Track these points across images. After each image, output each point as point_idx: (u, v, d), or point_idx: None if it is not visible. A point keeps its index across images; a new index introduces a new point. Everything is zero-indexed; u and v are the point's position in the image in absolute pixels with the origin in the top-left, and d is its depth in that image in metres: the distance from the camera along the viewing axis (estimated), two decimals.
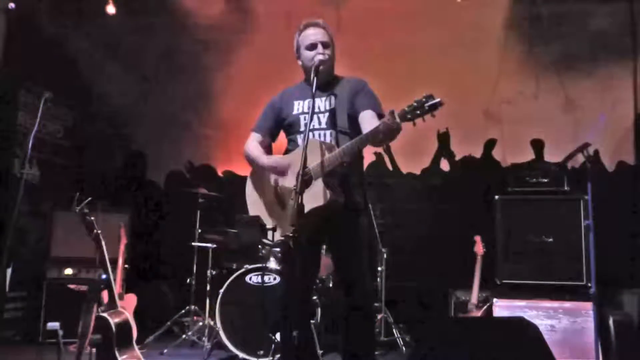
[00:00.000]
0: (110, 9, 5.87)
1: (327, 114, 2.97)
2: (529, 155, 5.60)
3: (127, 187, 6.06)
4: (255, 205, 3.11)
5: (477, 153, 5.80)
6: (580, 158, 3.72)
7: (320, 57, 2.94)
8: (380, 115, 2.84)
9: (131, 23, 6.14)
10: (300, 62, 3.09)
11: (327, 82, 3.02)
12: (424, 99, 2.45)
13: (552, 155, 5.44)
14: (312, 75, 2.84)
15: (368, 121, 2.84)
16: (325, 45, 3.00)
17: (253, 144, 3.15)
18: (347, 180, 2.87)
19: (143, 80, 6.20)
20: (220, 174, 6.13)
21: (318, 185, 2.73)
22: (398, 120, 2.51)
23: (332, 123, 2.95)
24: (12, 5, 5.34)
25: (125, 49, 6.19)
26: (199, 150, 6.18)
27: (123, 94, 6.18)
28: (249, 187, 3.17)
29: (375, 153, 5.89)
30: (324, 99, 3.01)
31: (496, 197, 4.71)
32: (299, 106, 3.04)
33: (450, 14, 5.72)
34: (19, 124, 5.33)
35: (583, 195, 4.26)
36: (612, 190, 4.94)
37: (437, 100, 2.43)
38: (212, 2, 6.08)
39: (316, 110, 2.96)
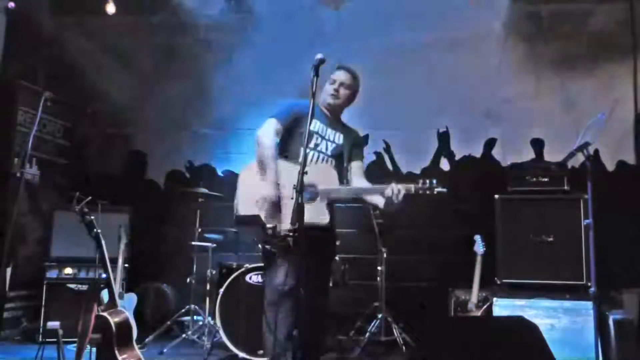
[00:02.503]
0: (111, 8, 5.87)
1: (334, 145, 3.28)
2: (529, 155, 5.60)
3: (127, 187, 6.05)
4: (248, 203, 3.12)
5: (477, 153, 5.80)
6: (580, 157, 3.72)
7: (332, 94, 3.29)
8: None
9: (131, 22, 6.15)
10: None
11: (336, 118, 3.38)
12: (434, 183, 2.94)
13: (552, 155, 5.44)
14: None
15: (356, 170, 3.31)
16: (343, 86, 3.29)
17: (270, 135, 3.14)
18: (333, 210, 3.17)
19: (143, 80, 6.19)
20: (220, 173, 6.13)
21: (322, 206, 3.00)
22: (405, 189, 2.97)
23: (336, 156, 3.27)
24: (12, 4, 5.34)
25: (125, 48, 6.19)
26: (199, 149, 6.17)
27: (123, 94, 6.17)
28: (245, 184, 3.17)
29: (375, 152, 5.89)
30: (334, 131, 3.32)
31: (496, 196, 4.71)
32: (315, 126, 3.21)
33: (451, 13, 5.72)
34: (19, 123, 5.33)
35: (583, 194, 4.26)
36: (612, 190, 4.93)
37: (445, 189, 2.92)
38: (213, 1, 6.08)
39: (327, 137, 3.28)
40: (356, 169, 3.32)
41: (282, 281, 3.00)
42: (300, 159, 2.72)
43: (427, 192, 2.93)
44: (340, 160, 3.29)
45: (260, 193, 3.03)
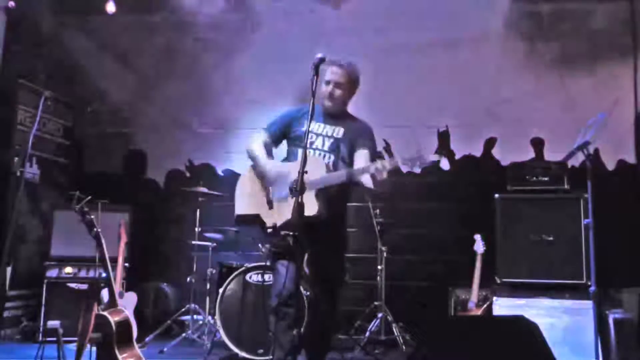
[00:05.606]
0: (111, 7, 5.87)
1: (332, 140, 3.25)
2: (529, 154, 5.60)
3: (127, 186, 6.05)
4: (243, 199, 3.29)
5: (478, 152, 5.79)
6: (580, 157, 3.71)
7: (328, 97, 3.26)
8: (374, 158, 3.17)
9: (131, 22, 6.15)
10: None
11: (337, 113, 3.33)
12: (422, 156, 2.85)
13: (552, 154, 5.43)
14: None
15: (360, 158, 3.20)
16: (338, 86, 3.25)
17: (258, 142, 3.35)
18: (334, 200, 3.12)
19: (143, 79, 6.19)
20: (220, 172, 6.13)
21: (310, 196, 2.94)
22: (390, 165, 2.87)
23: (334, 150, 3.24)
24: (12, 3, 5.34)
25: (125, 47, 6.19)
26: (199, 149, 6.17)
27: (123, 93, 6.17)
28: (244, 182, 3.34)
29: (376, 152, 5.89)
30: (333, 127, 3.29)
31: (496, 195, 4.70)
32: (310, 126, 3.21)
33: (451, 13, 5.72)
34: (19, 122, 5.32)
35: (583, 193, 4.26)
36: (612, 189, 4.93)
37: (438, 157, 2.83)
38: (212, 1, 6.08)
39: (323, 133, 3.26)
40: (360, 156, 3.23)
41: (281, 288, 2.99)
42: (299, 158, 2.72)
43: (419, 164, 2.83)
44: (339, 153, 3.25)
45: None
